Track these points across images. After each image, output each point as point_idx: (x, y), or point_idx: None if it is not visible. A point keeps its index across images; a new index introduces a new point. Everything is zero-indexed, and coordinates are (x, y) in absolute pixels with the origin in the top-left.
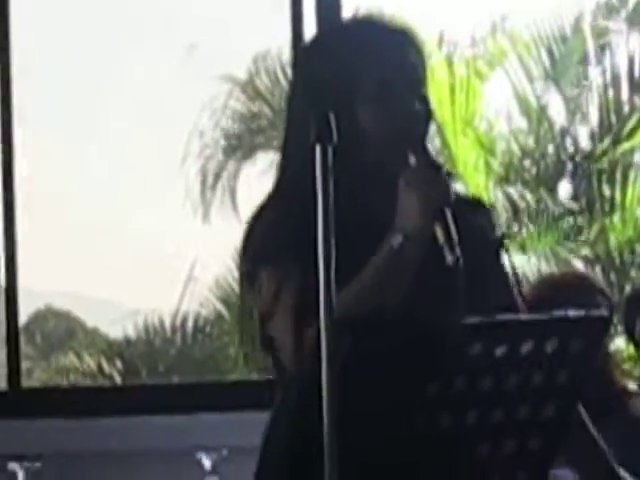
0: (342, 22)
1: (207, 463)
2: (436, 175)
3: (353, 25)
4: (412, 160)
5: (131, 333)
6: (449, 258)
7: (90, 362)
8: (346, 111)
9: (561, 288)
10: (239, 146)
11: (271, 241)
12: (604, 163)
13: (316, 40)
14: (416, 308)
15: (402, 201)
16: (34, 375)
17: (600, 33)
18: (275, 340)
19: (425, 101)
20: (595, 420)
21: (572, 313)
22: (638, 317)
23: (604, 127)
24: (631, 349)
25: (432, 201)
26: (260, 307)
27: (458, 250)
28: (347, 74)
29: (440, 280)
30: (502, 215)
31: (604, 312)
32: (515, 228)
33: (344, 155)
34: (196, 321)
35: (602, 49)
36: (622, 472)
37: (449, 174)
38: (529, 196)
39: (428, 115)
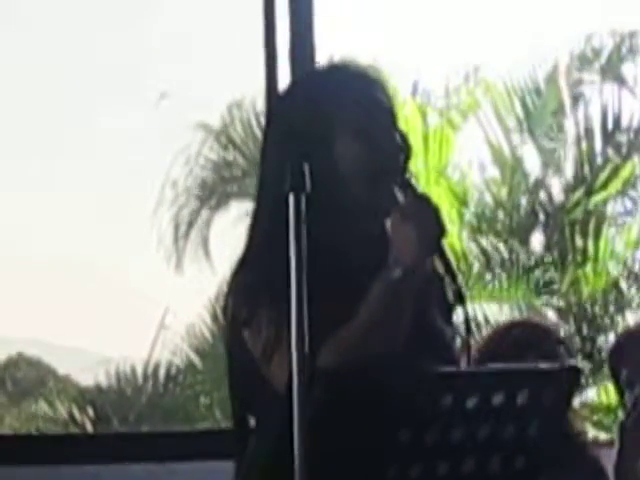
0: (315, 69)
1: None
2: (427, 207)
3: (326, 71)
4: (399, 195)
5: (102, 381)
6: (452, 288)
7: (61, 410)
8: (324, 157)
9: (519, 338)
10: (212, 194)
11: (265, 284)
12: (577, 214)
13: (290, 88)
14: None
15: (397, 235)
16: (5, 422)
17: (574, 84)
18: (274, 381)
19: (402, 135)
20: (557, 470)
21: (543, 365)
22: (623, 365)
23: (577, 178)
24: (603, 399)
25: (428, 234)
26: (259, 349)
27: (459, 280)
28: (323, 120)
29: (421, 318)
30: (474, 265)
31: (576, 363)
32: (488, 278)
33: (326, 201)
34: (168, 369)
35: (575, 100)
36: None
37: (437, 207)
38: (502, 246)
39: (407, 149)
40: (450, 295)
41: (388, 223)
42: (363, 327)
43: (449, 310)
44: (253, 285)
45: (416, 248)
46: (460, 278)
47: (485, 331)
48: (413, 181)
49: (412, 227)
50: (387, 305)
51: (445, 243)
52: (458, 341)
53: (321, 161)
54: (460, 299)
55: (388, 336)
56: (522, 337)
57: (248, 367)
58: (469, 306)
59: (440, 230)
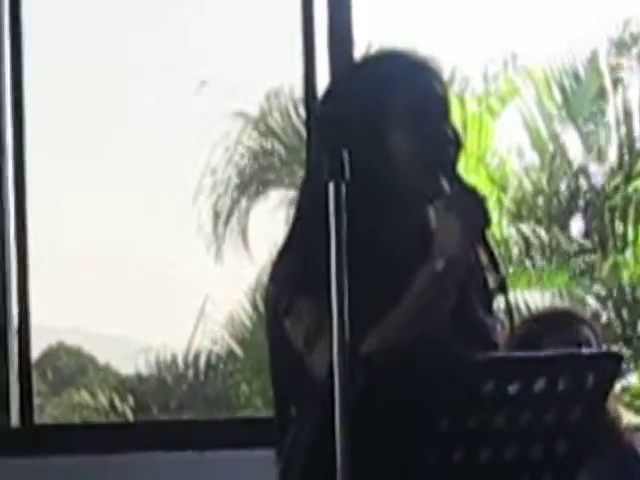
0: (369, 56)
1: None
2: (473, 199)
3: (380, 59)
4: (446, 186)
5: (143, 369)
6: (493, 279)
7: (102, 398)
8: (374, 146)
9: (548, 324)
10: (251, 183)
11: (306, 272)
12: (617, 200)
13: (338, 79)
14: (439, 335)
15: (442, 226)
16: (46, 411)
17: (612, 70)
18: (315, 369)
19: (453, 129)
20: (591, 454)
21: (584, 350)
22: None
23: (617, 164)
24: None
25: (472, 225)
26: (300, 337)
27: (502, 270)
28: (374, 109)
29: (463, 305)
30: (514, 251)
31: (616, 349)
32: (528, 264)
33: (373, 189)
34: (208, 358)
35: (614, 86)
36: None
37: (484, 197)
38: (542, 233)
39: (458, 142)
40: (491, 284)
41: (433, 213)
42: (406, 315)
43: (490, 299)
44: (293, 273)
45: (460, 239)
46: (502, 267)
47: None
48: (461, 173)
49: (456, 218)
50: (431, 295)
51: (489, 234)
52: (499, 330)
53: (371, 149)
54: (503, 289)
55: (430, 325)
56: (553, 325)
57: (289, 356)
58: (510, 293)
59: (485, 221)
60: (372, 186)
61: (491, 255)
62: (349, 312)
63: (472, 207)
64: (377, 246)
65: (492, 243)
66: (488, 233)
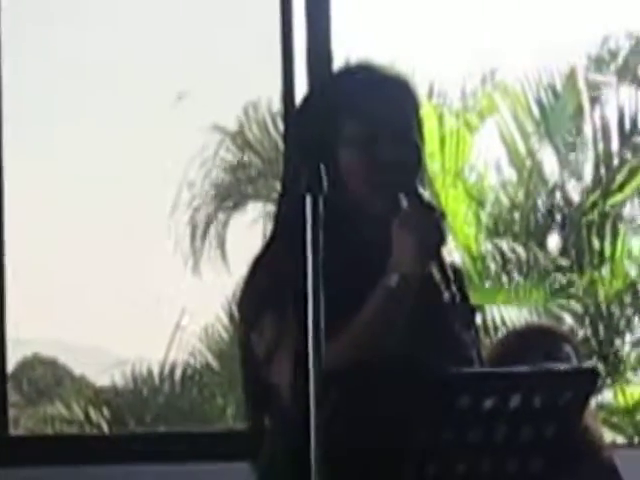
0: (340, 70)
1: None
2: (430, 215)
3: (345, 74)
4: (404, 203)
5: (119, 381)
6: (445, 296)
7: (77, 410)
8: (330, 161)
9: (530, 340)
10: (229, 196)
11: (273, 287)
12: (594, 216)
13: (311, 89)
14: (410, 350)
15: (397, 241)
16: (20, 423)
17: (591, 86)
18: (274, 384)
19: (416, 146)
20: (568, 470)
21: (560, 367)
22: None
23: (594, 180)
24: (620, 401)
25: (427, 241)
26: (261, 351)
27: (454, 288)
28: (333, 124)
29: (434, 321)
30: (491, 267)
31: (593, 365)
32: (504, 280)
33: (329, 206)
34: (184, 370)
35: (592, 102)
36: None
37: (442, 214)
38: (519, 248)
39: (419, 160)
40: (471, 300)
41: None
42: (360, 330)
43: (468, 315)
44: (261, 287)
45: (414, 255)
46: (466, 282)
47: (502, 334)
48: (420, 189)
49: (412, 234)
50: (384, 310)
51: (444, 251)
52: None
53: (328, 163)
54: (464, 306)
55: (384, 339)
56: (534, 341)
57: (257, 369)
58: (486, 309)
59: (440, 238)
60: (327, 202)
61: (444, 273)
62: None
63: (428, 223)
64: (331, 264)
65: (446, 261)
66: (443, 250)
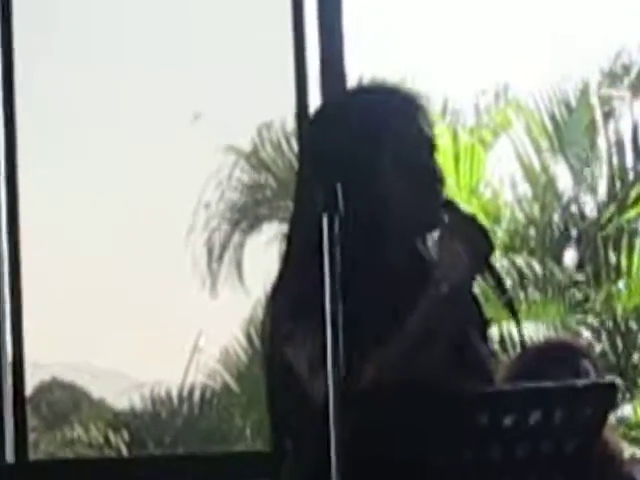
0: (356, 88)
1: None
2: (476, 226)
3: (367, 92)
4: (444, 215)
5: (137, 404)
6: (504, 301)
7: (96, 434)
8: (366, 179)
9: (549, 355)
10: (244, 217)
11: (307, 301)
12: (610, 230)
13: (323, 110)
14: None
15: (446, 251)
16: (40, 447)
17: (604, 101)
18: (319, 396)
19: (436, 165)
20: None
21: (579, 382)
22: None
23: (609, 194)
24: (639, 416)
25: (478, 250)
26: (303, 363)
27: (509, 294)
28: (364, 142)
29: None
30: (508, 283)
31: (612, 379)
32: (521, 296)
33: (367, 221)
34: (203, 392)
35: (606, 117)
36: None
37: (485, 226)
38: (535, 264)
39: (442, 178)
40: (486, 313)
41: (433, 240)
42: (410, 342)
43: (484, 328)
44: (293, 301)
45: (465, 265)
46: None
47: (519, 349)
48: (457, 203)
49: (461, 244)
50: (434, 321)
51: (494, 260)
52: (493, 359)
53: (363, 183)
54: (511, 311)
55: (434, 351)
56: (553, 356)
57: (289, 385)
58: (504, 324)
59: (489, 248)
60: (364, 220)
61: (499, 281)
62: (348, 344)
63: (476, 234)
64: (373, 278)
65: (498, 269)
66: (493, 259)
